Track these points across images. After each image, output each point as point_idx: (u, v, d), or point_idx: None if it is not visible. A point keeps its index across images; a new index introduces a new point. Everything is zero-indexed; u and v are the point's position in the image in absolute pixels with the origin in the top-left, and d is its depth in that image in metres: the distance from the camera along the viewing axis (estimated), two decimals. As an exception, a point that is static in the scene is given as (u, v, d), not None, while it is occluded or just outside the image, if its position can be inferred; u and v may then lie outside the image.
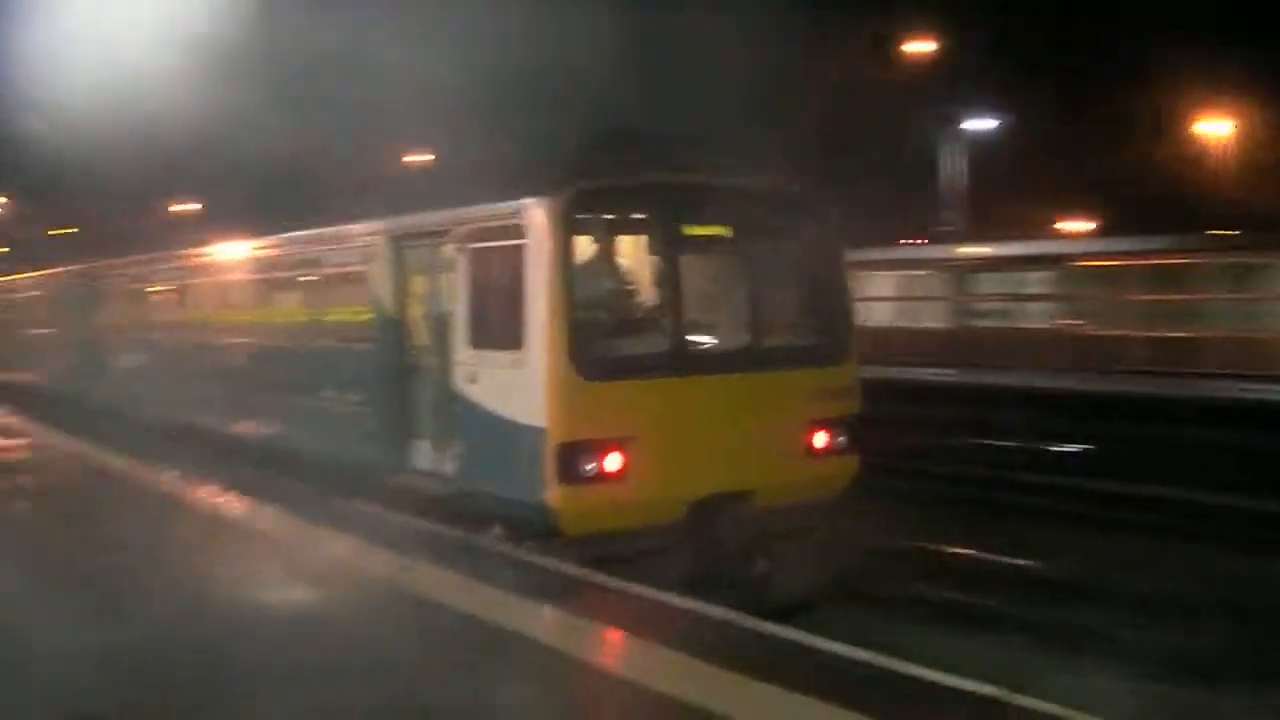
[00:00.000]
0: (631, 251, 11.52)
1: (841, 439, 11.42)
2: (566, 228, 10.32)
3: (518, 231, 10.52)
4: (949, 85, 37.02)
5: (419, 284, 12.28)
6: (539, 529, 10.27)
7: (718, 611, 8.26)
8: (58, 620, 8.25)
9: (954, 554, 13.84)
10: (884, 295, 35.12)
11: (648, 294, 11.22)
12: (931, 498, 16.87)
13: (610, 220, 10.98)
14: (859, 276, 35.54)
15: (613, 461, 10.09)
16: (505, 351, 10.52)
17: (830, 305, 11.79)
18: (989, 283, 32.58)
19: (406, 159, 46.52)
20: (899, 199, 44.60)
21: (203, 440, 16.80)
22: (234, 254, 17.74)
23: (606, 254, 11.16)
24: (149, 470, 14.75)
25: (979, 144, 38.71)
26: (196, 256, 19.41)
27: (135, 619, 8.26)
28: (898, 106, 38.47)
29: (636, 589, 8.82)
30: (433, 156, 46.47)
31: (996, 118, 38.43)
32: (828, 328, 11.72)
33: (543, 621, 8.17)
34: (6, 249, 58.87)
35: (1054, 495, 16.77)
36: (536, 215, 10.39)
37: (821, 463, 11.30)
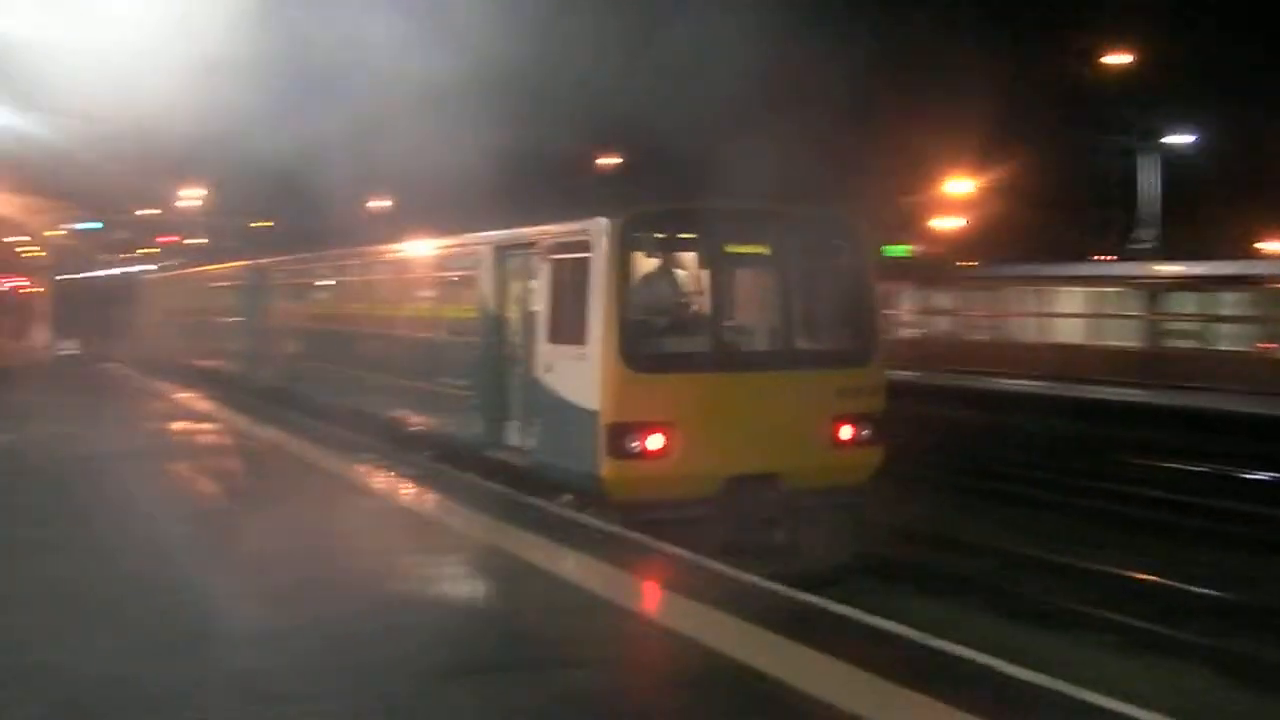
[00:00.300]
0: (682, 265, 13.18)
1: (865, 432, 12.84)
2: (623, 244, 12.19)
3: (585, 246, 12.40)
4: (1145, 99, 35.93)
5: (515, 288, 14.22)
6: (593, 496, 12.06)
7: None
8: (241, 601, 8.54)
9: (1133, 577, 13.49)
10: (1073, 312, 34.40)
11: (694, 301, 12.92)
12: (1113, 518, 16.97)
13: (663, 238, 12.77)
14: (1045, 292, 35.14)
15: (655, 441, 11.83)
16: (572, 346, 12.39)
17: (858, 314, 13.37)
18: (1184, 302, 31.58)
19: (600, 161, 47.76)
20: (1094, 214, 43.47)
21: (350, 421, 18.77)
22: (372, 256, 20.32)
23: (659, 267, 12.91)
24: (331, 458, 16.04)
25: (1176, 160, 37.40)
26: (342, 257, 21.87)
27: (319, 601, 8.52)
28: (1092, 120, 37.53)
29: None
30: (621, 160, 47.64)
31: (1193, 133, 37.11)
32: (855, 334, 13.34)
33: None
34: (205, 240, 61.68)
35: (1242, 522, 16.29)
36: (599, 232, 12.26)
37: (846, 453, 12.78)
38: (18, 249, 55.13)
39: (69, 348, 46.30)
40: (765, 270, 13.47)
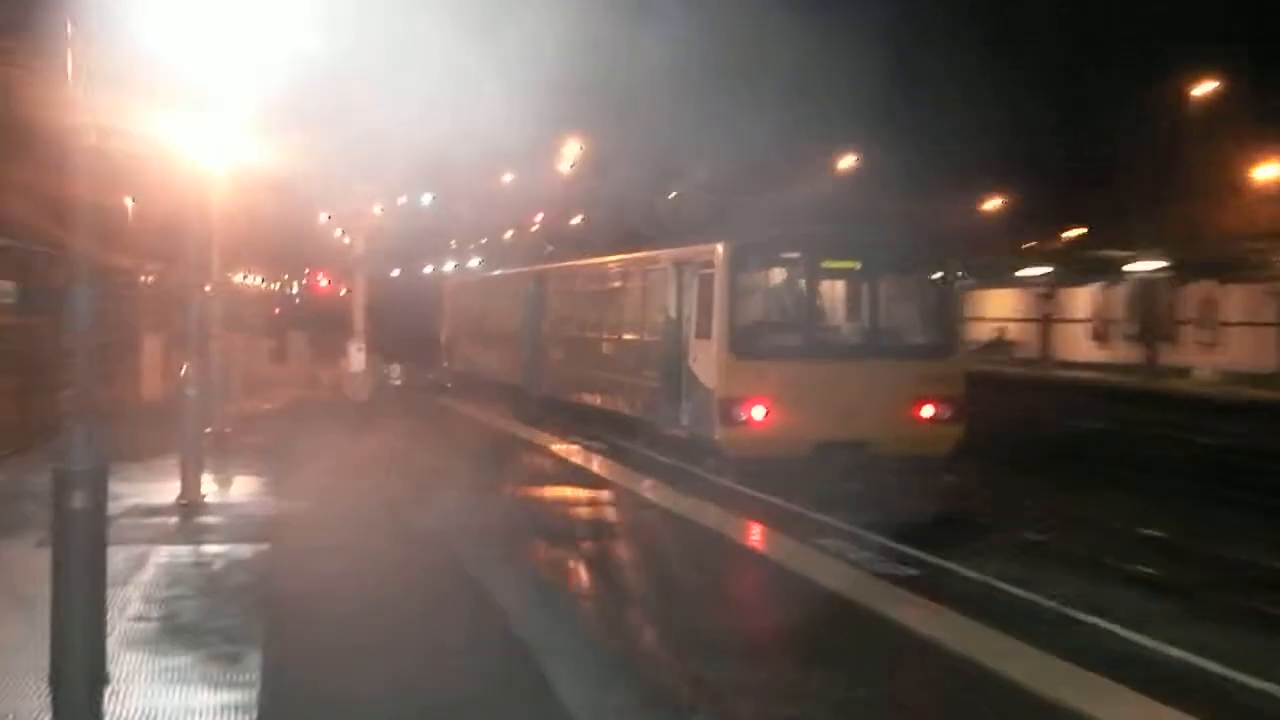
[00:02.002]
0: (785, 276, 24.67)
1: (946, 412, 23.36)
2: (735, 263, 23.50)
3: (712, 263, 23.80)
4: None
5: (686, 296, 25.40)
6: (715, 455, 23.40)
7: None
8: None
9: None
10: None
11: (794, 304, 24.34)
12: None
13: (769, 257, 24.45)
14: None
15: (757, 412, 22.64)
16: (705, 340, 23.73)
17: (939, 315, 24.68)
18: None
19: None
20: None
21: (588, 417, 32.04)
22: (595, 268, 33.99)
23: (765, 278, 24.81)
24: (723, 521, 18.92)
25: None
26: (583, 266, 35.99)
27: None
28: None
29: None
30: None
31: None
32: (936, 331, 24.50)
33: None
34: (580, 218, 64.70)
35: None
36: (718, 254, 23.67)
37: (927, 428, 23.27)
38: (339, 232, 59.02)
39: (395, 374, 49.32)
40: (856, 280, 25.01)
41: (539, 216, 70.04)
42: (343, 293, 55.66)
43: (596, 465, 24.86)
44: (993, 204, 74.40)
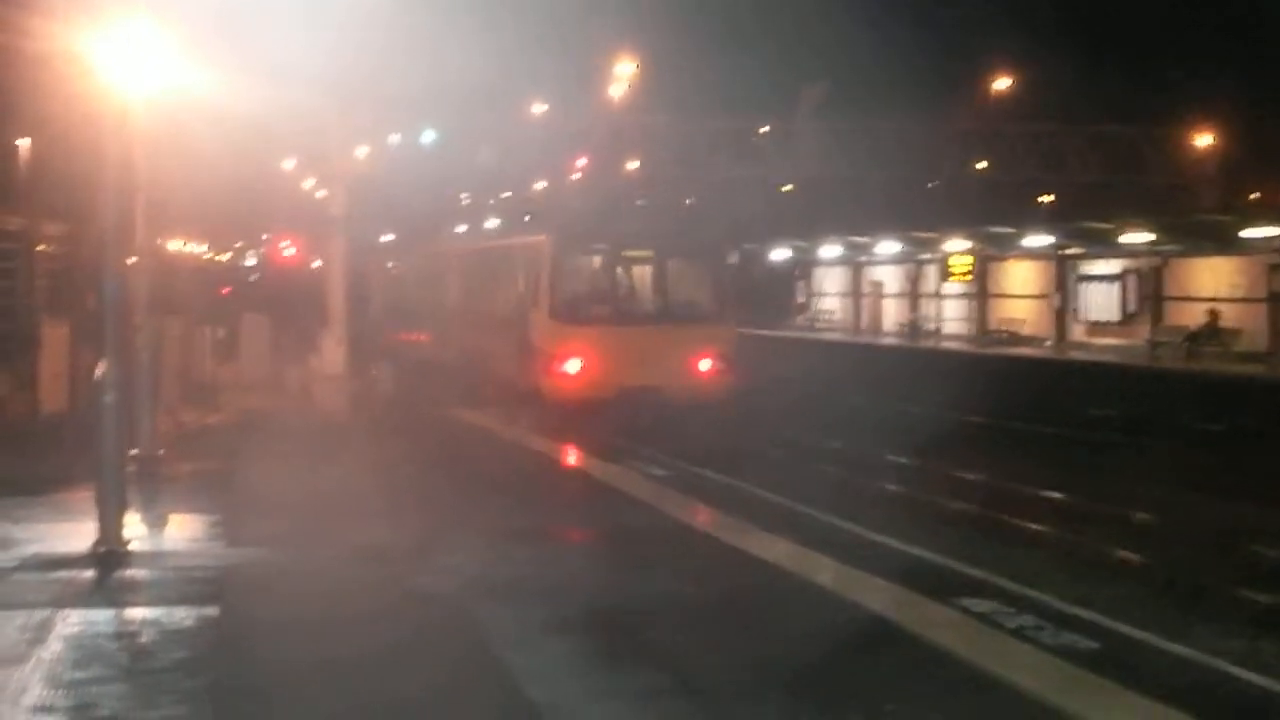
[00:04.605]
0: (595, 259, 48.11)
1: (720, 366, 45.44)
2: (555, 249, 47.30)
3: (540, 249, 48.45)
4: None
5: (529, 274, 48.71)
6: (540, 399, 46.00)
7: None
8: None
9: None
10: None
11: (602, 283, 47.72)
12: None
13: (582, 244, 48.37)
14: None
15: (573, 366, 44.72)
16: (536, 310, 46.88)
17: (715, 291, 47.95)
18: None
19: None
20: None
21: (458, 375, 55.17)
22: (480, 247, 63.38)
23: (579, 260, 48.28)
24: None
25: None
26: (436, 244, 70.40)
27: None
28: None
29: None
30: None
31: None
32: (712, 303, 47.61)
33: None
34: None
35: None
36: (543, 241, 48.60)
37: (705, 378, 45.22)
38: (310, 183, 58.81)
39: (385, 375, 50.26)
40: (651, 262, 47.30)
41: (581, 161, 70.09)
42: (315, 265, 55.75)
43: (655, 496, 25.69)
44: (1203, 141, 74.59)
